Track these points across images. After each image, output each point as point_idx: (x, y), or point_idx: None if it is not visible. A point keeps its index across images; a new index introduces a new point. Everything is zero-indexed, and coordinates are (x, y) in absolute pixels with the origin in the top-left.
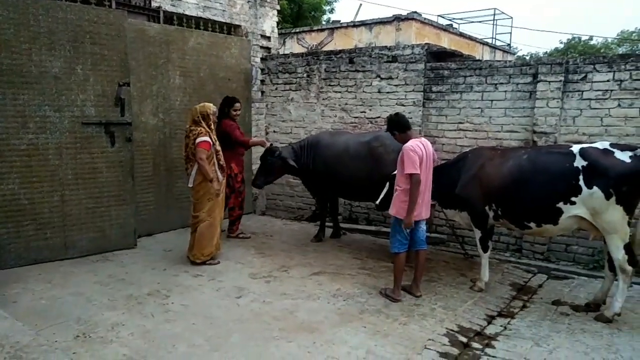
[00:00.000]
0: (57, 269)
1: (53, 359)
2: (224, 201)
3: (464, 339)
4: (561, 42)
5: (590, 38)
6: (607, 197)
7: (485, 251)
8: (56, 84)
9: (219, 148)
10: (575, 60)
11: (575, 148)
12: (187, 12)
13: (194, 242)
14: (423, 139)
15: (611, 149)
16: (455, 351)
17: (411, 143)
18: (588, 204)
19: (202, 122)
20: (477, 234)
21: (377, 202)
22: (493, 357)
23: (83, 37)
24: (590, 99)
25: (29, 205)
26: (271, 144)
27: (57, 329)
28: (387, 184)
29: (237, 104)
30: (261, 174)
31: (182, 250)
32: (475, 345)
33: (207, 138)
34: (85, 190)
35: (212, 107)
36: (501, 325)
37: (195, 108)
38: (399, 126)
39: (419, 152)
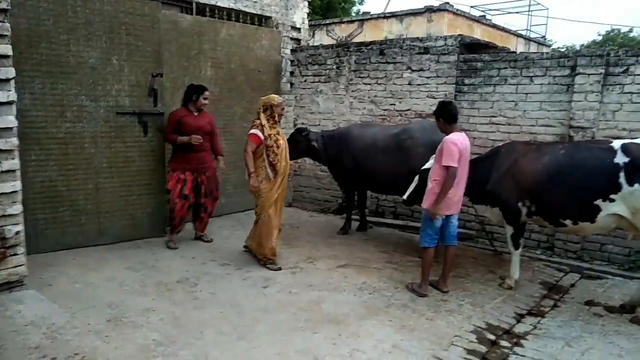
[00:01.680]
0: (91, 255)
1: (87, 341)
2: (282, 202)
3: (492, 337)
4: (599, 34)
5: (631, 30)
6: None
7: (516, 248)
8: (92, 74)
9: (271, 144)
10: (617, 52)
11: (616, 143)
12: (219, 4)
13: (254, 241)
14: (464, 134)
15: None
16: (482, 349)
17: (453, 136)
18: (628, 202)
19: (262, 114)
20: (509, 230)
21: (405, 196)
22: (522, 356)
23: (119, 28)
24: (632, 93)
25: (66, 192)
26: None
27: (90, 312)
28: (416, 178)
29: (207, 92)
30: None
31: (210, 242)
32: (504, 343)
33: (257, 131)
34: (118, 178)
35: (276, 99)
36: (531, 324)
37: (260, 99)
38: (448, 115)
39: (460, 145)
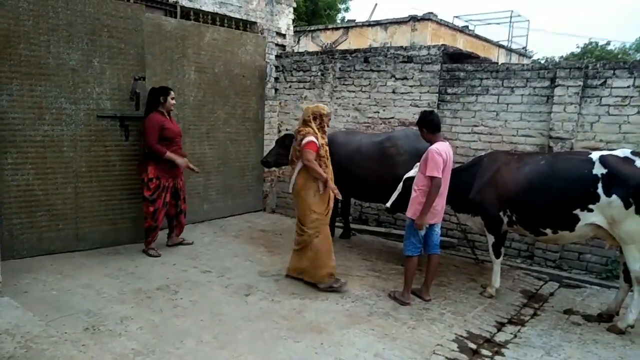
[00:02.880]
0: (69, 261)
1: (62, 351)
2: (331, 210)
3: (473, 346)
4: (578, 47)
5: (608, 43)
6: (627, 207)
7: (497, 257)
8: (73, 77)
9: (323, 154)
10: (595, 65)
11: (595, 155)
12: (203, 8)
13: (310, 263)
14: (447, 143)
15: (632, 156)
16: (464, 357)
17: (437, 146)
18: (606, 212)
19: (312, 122)
20: (490, 239)
21: (389, 204)
22: None
23: (101, 30)
24: (609, 105)
25: (43, 197)
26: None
27: (66, 320)
28: (400, 185)
29: (173, 92)
30: (273, 155)
31: (191, 245)
32: (485, 352)
33: (314, 139)
34: (98, 183)
35: (325, 109)
36: (511, 333)
37: (307, 108)
38: (431, 125)
39: (443, 156)
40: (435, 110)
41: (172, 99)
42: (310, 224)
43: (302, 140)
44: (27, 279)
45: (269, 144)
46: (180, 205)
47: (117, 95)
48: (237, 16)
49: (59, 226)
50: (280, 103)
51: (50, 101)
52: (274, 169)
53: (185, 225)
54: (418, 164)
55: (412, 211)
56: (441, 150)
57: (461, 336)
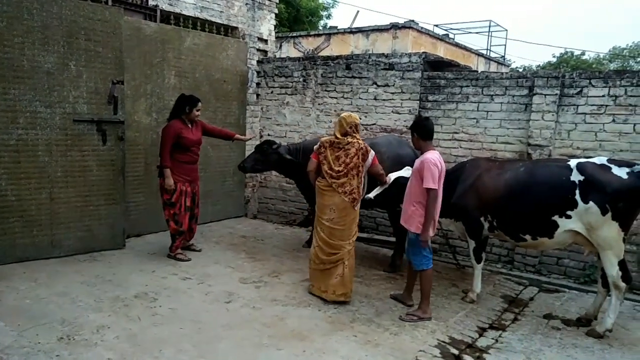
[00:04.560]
0: (43, 268)
1: None
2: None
3: (456, 351)
4: (554, 56)
5: (583, 53)
6: (603, 213)
7: (478, 262)
8: (48, 80)
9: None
10: (572, 74)
11: (573, 162)
12: (184, 12)
13: (341, 280)
14: (437, 152)
15: (608, 164)
16: None
17: (432, 155)
18: (584, 218)
19: (356, 133)
20: (471, 244)
21: (372, 195)
22: None
23: (77, 33)
24: (585, 114)
25: (16, 202)
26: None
27: (40, 330)
28: (389, 179)
29: (200, 104)
30: (251, 160)
31: (199, 252)
32: (467, 357)
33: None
34: (74, 188)
35: (357, 118)
36: (492, 338)
37: (344, 118)
38: (425, 131)
39: (439, 166)
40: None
41: (198, 110)
42: (352, 238)
43: (364, 152)
44: None
45: (250, 149)
46: (194, 210)
47: (95, 99)
48: (219, 21)
49: (33, 232)
50: (262, 108)
51: (24, 104)
52: (256, 174)
53: (165, 231)
54: (408, 167)
55: (415, 226)
56: (436, 161)
57: (443, 342)
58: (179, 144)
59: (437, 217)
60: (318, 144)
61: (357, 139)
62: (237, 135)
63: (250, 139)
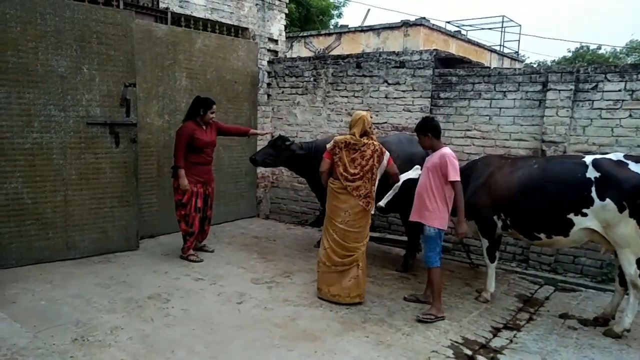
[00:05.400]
0: (58, 270)
1: None
2: None
3: (469, 352)
4: (569, 51)
5: (599, 47)
6: (620, 210)
7: (492, 261)
8: (62, 84)
9: None
10: (586, 69)
11: (588, 159)
12: (194, 14)
13: (356, 282)
14: None
15: (625, 160)
16: None
17: (450, 151)
18: (600, 216)
19: (373, 134)
20: (484, 243)
21: (383, 203)
22: None
23: (90, 37)
24: (601, 109)
25: (32, 205)
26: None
27: (55, 331)
28: (396, 186)
29: (215, 106)
30: (263, 154)
31: (211, 252)
32: (481, 358)
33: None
34: (88, 190)
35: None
36: (507, 338)
37: (365, 117)
38: (437, 130)
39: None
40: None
41: (213, 112)
42: (366, 239)
43: (380, 154)
44: (15, 289)
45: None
46: (207, 211)
47: (107, 102)
48: (229, 22)
49: (48, 235)
50: (272, 109)
51: (39, 108)
52: (267, 174)
53: (178, 232)
54: (417, 166)
55: (437, 221)
56: (454, 155)
57: (456, 342)
58: (193, 145)
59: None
60: (332, 143)
61: (372, 139)
62: (252, 130)
63: (266, 134)
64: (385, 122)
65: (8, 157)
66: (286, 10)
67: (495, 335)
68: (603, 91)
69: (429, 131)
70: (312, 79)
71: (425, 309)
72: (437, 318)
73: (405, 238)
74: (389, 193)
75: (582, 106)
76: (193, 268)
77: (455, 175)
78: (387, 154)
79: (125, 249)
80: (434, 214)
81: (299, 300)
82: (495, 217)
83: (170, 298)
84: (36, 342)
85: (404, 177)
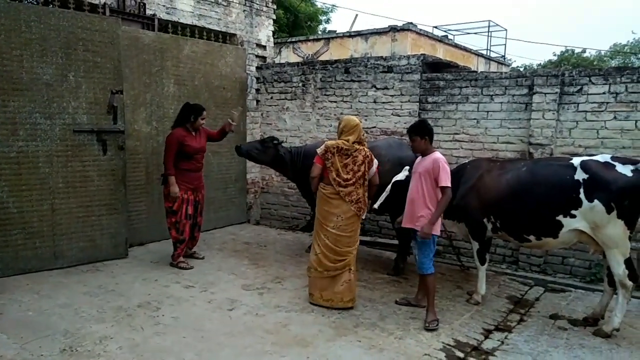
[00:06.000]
0: (46, 279)
1: None
2: None
3: (461, 354)
4: (555, 54)
5: (584, 51)
6: (608, 211)
7: (482, 263)
8: (47, 91)
9: None
10: (571, 72)
11: (576, 160)
12: (182, 21)
13: (348, 286)
14: None
15: (612, 162)
16: None
17: (441, 155)
18: (589, 217)
19: (365, 141)
20: (475, 246)
21: (377, 205)
22: None
23: (76, 44)
24: (586, 111)
25: (18, 214)
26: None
27: (43, 342)
28: (388, 188)
29: (205, 112)
30: (249, 146)
31: (201, 259)
32: None
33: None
34: (76, 198)
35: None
36: (498, 340)
37: (359, 125)
38: (430, 133)
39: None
40: (416, 119)
41: (203, 119)
42: (356, 243)
43: (370, 161)
44: (2, 299)
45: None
46: (197, 218)
47: (94, 110)
48: (217, 28)
49: (35, 244)
50: (262, 114)
51: (24, 116)
52: (257, 180)
53: (167, 240)
54: (407, 167)
55: (436, 227)
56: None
57: (449, 345)
58: (183, 151)
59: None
60: (322, 147)
61: (363, 145)
62: (227, 122)
63: (238, 114)
64: (374, 127)
65: None
66: (274, 16)
67: (486, 337)
68: (588, 94)
69: (427, 134)
70: (300, 85)
71: (426, 317)
72: (432, 323)
73: (396, 241)
74: (382, 195)
75: (568, 109)
76: (183, 275)
77: (446, 181)
78: (375, 162)
79: (114, 257)
80: (427, 219)
81: (291, 306)
82: (485, 220)
83: (160, 306)
84: (23, 354)
85: (394, 178)
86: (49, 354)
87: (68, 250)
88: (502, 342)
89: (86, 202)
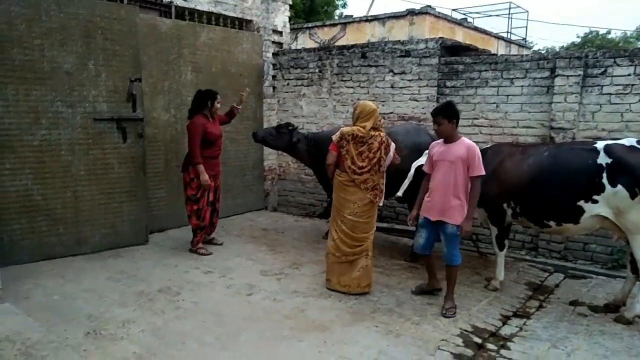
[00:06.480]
0: (70, 265)
1: (63, 356)
2: None
3: (479, 340)
4: (578, 36)
5: (609, 32)
6: (632, 197)
7: (501, 249)
8: (68, 80)
9: None
10: (595, 54)
11: (600, 144)
12: (198, 7)
13: (365, 271)
14: None
15: (638, 145)
16: (469, 352)
17: (472, 142)
18: (611, 202)
19: (382, 126)
20: (494, 231)
21: (400, 193)
22: (509, 359)
23: (95, 33)
24: (610, 94)
25: (42, 201)
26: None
27: (68, 325)
28: (410, 174)
29: (219, 97)
30: (265, 132)
31: (220, 245)
32: (490, 346)
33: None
34: (97, 186)
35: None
36: (517, 326)
37: (375, 110)
38: (458, 116)
39: None
40: (435, 104)
41: (218, 102)
42: (373, 229)
43: (387, 146)
44: (28, 284)
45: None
46: (215, 204)
47: (114, 98)
48: (233, 15)
49: (59, 230)
50: (278, 101)
51: (46, 105)
52: (274, 167)
53: (187, 226)
54: (427, 151)
55: (462, 218)
56: None
57: (466, 330)
58: (205, 139)
59: None
60: (338, 134)
61: (379, 131)
62: (234, 105)
63: (247, 94)
64: (392, 112)
65: (17, 154)
66: (290, 2)
67: (504, 323)
68: (612, 76)
69: (454, 116)
70: (317, 70)
71: (444, 304)
72: (451, 311)
73: (413, 228)
74: (404, 182)
75: (591, 92)
76: (202, 261)
77: (482, 170)
78: (392, 145)
79: (134, 243)
80: (458, 210)
81: (308, 292)
82: (504, 205)
83: (181, 291)
84: (49, 336)
85: (415, 164)
86: (73, 337)
87: (91, 237)
88: (521, 329)
89: (107, 189)
